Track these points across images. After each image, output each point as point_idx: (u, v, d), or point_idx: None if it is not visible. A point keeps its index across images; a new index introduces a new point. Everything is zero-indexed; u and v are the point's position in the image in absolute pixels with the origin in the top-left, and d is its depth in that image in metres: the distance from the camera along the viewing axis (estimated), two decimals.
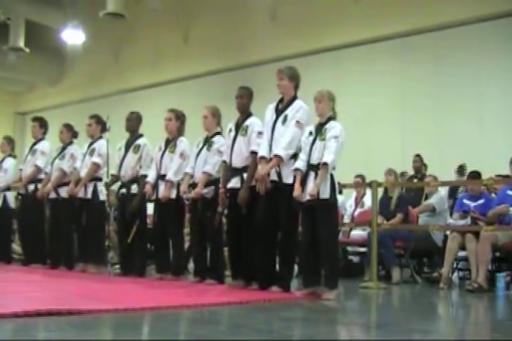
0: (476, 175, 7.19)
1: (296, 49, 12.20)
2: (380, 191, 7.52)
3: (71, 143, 7.96)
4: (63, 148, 7.93)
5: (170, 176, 6.48)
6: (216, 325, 3.66)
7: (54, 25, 15.70)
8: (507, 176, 7.39)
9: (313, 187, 5.09)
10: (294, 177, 5.24)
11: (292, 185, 5.22)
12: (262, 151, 5.39)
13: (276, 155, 5.25)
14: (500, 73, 9.95)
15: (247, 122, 5.77)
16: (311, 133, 5.32)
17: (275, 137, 5.36)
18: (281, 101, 5.53)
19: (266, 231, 5.32)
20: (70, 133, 7.98)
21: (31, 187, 8.07)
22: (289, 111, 5.39)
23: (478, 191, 7.15)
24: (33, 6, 15.50)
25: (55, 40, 15.70)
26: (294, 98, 5.48)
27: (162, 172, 6.63)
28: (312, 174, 5.19)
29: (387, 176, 7.85)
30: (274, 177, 5.31)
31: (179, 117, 6.74)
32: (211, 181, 6.19)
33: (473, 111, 10.15)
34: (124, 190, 7.02)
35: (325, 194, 5.12)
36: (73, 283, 6.03)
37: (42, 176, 8.07)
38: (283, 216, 5.29)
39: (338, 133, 5.19)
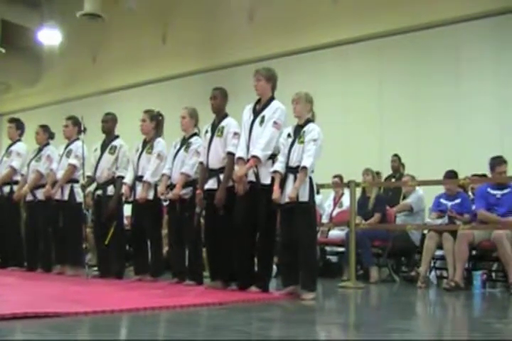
0: (452, 174, 7.25)
1: (274, 50, 12.20)
2: (358, 191, 7.56)
3: (47, 144, 7.91)
4: (39, 150, 7.88)
5: (147, 177, 6.46)
6: (195, 327, 3.65)
7: (30, 25, 15.54)
8: (483, 175, 7.46)
9: (293, 190, 5.10)
10: (272, 178, 5.25)
11: (270, 186, 5.23)
12: (240, 152, 5.39)
13: (253, 156, 5.24)
14: (477, 73, 10.03)
15: (223, 123, 5.76)
16: (289, 135, 5.33)
17: (252, 138, 5.35)
18: (258, 102, 5.53)
19: (244, 232, 5.33)
20: (46, 135, 7.93)
21: (7, 189, 7.99)
22: (266, 112, 5.38)
23: (454, 190, 7.21)
24: (8, 6, 15.32)
25: (32, 41, 15.55)
26: (271, 99, 5.47)
27: (139, 173, 6.61)
28: (291, 176, 5.20)
29: (364, 176, 7.89)
30: (251, 177, 5.32)
31: (154, 118, 6.72)
32: (189, 182, 6.19)
33: (450, 111, 10.22)
34: (99, 192, 6.98)
35: (304, 197, 5.14)
36: (50, 285, 5.98)
37: (18, 178, 8.01)
38: (261, 217, 5.29)
39: (316, 136, 5.20)
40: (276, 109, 5.38)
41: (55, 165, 7.55)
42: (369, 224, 7.34)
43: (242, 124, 5.56)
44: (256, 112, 5.45)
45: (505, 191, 6.65)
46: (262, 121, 5.36)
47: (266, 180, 5.28)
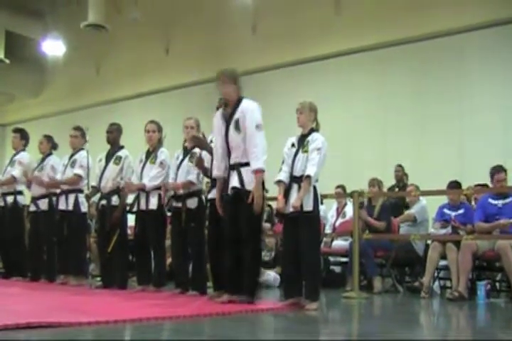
0: (456, 185, 7.24)
1: (276, 61, 12.26)
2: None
3: (50, 154, 7.91)
4: (43, 159, 7.89)
5: (145, 181, 6.47)
6: (198, 337, 3.64)
7: (34, 36, 15.65)
8: (485, 185, 7.46)
9: (297, 200, 5.09)
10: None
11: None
12: (216, 171, 5.22)
13: (257, 170, 5.00)
14: (482, 83, 10.04)
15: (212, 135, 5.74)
16: (293, 144, 5.33)
17: (231, 145, 5.14)
18: (226, 106, 5.28)
19: (232, 240, 5.14)
20: (49, 144, 7.94)
21: (10, 199, 8.00)
22: (239, 116, 5.12)
23: (458, 201, 7.22)
24: (13, 17, 15.44)
25: (36, 51, 15.65)
26: (240, 99, 5.21)
27: None
28: (295, 186, 5.18)
29: (371, 188, 7.87)
30: (236, 184, 5.09)
31: (161, 128, 6.74)
32: (194, 192, 6.20)
33: (453, 121, 10.23)
34: (104, 202, 6.97)
35: (308, 206, 5.11)
36: (54, 295, 5.98)
37: (21, 188, 8.03)
38: (244, 225, 5.07)
39: (320, 145, 5.19)
40: (252, 111, 5.10)
41: (59, 176, 7.55)
42: (374, 232, 7.36)
43: (214, 131, 5.34)
44: (227, 117, 5.20)
45: (507, 200, 6.66)
46: (236, 126, 5.11)
47: (250, 187, 5.05)
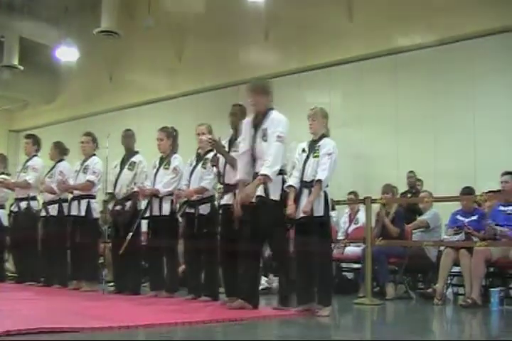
0: (468, 191, 7.21)
1: (289, 67, 12.26)
2: (374, 207, 7.51)
3: (61, 160, 7.94)
4: (53, 166, 7.91)
5: (159, 187, 6.49)
6: None
7: (48, 43, 15.73)
8: (498, 192, 7.43)
9: (307, 204, 5.09)
10: (282, 194, 5.13)
11: (277, 202, 5.11)
12: (240, 173, 5.22)
13: (263, 175, 5.00)
14: (494, 87, 9.99)
15: (240, 139, 5.76)
16: (304, 150, 5.33)
17: (256, 154, 5.18)
18: (256, 116, 5.32)
19: (250, 245, 5.17)
20: (57, 151, 7.96)
21: (24, 204, 8.04)
22: (267, 125, 5.16)
23: (471, 207, 7.18)
24: (27, 24, 15.53)
25: (49, 58, 15.71)
26: (269, 110, 5.27)
27: None
28: (306, 191, 5.18)
29: (384, 195, 7.81)
30: (259, 192, 5.10)
31: (170, 135, 6.75)
32: (207, 198, 6.21)
33: (467, 127, 10.17)
34: (118, 207, 6.99)
35: (319, 211, 5.11)
36: (66, 300, 6.00)
37: (34, 194, 8.07)
38: (268, 232, 5.11)
39: (331, 150, 5.20)
40: (278, 122, 5.16)
41: (70, 181, 7.58)
42: (385, 240, 7.32)
43: (242, 139, 5.39)
44: (255, 126, 5.26)
45: None
46: (264, 135, 5.15)
47: (275, 196, 5.10)
